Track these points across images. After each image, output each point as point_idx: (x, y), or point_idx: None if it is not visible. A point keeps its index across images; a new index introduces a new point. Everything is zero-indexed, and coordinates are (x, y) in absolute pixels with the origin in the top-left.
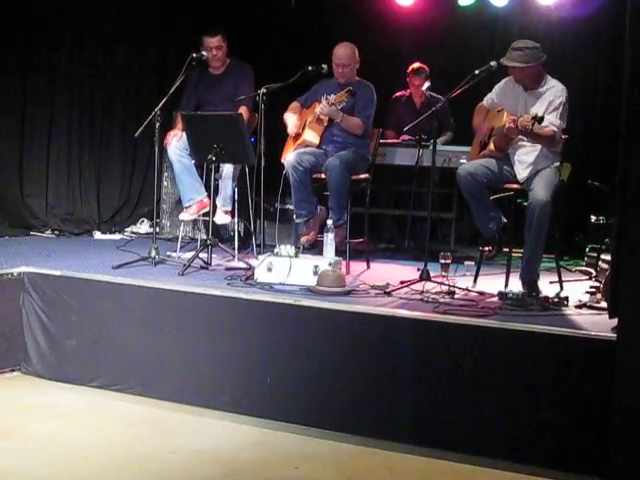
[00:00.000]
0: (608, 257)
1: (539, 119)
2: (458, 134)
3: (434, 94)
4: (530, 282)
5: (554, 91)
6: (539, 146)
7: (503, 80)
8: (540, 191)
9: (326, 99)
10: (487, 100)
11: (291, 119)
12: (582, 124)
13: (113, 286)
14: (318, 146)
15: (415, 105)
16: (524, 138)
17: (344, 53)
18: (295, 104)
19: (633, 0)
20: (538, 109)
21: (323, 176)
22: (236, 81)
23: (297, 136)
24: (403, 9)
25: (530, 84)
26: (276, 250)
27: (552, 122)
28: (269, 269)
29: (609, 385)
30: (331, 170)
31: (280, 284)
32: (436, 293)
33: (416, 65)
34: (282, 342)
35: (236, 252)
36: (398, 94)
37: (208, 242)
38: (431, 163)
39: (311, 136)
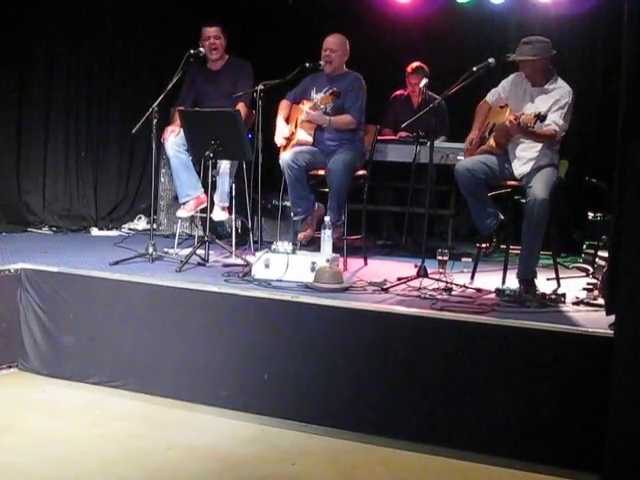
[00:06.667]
0: (605, 254)
1: (542, 117)
2: (455, 131)
3: (431, 93)
4: (527, 281)
5: (561, 91)
6: (539, 143)
7: (512, 75)
8: (539, 189)
9: (313, 103)
10: (492, 95)
11: (279, 131)
12: (579, 121)
13: (110, 282)
14: (312, 144)
15: (413, 105)
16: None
17: (332, 39)
18: (285, 103)
19: None
20: (543, 106)
21: (320, 173)
22: (235, 77)
23: (291, 135)
24: (400, 6)
25: (539, 80)
26: (273, 247)
27: (555, 121)
28: (266, 266)
29: (606, 382)
30: (335, 174)
31: (277, 280)
32: (433, 290)
33: (415, 64)
34: (279, 338)
35: (233, 249)
36: (397, 93)
37: (205, 239)
38: (429, 160)
39: (304, 135)
